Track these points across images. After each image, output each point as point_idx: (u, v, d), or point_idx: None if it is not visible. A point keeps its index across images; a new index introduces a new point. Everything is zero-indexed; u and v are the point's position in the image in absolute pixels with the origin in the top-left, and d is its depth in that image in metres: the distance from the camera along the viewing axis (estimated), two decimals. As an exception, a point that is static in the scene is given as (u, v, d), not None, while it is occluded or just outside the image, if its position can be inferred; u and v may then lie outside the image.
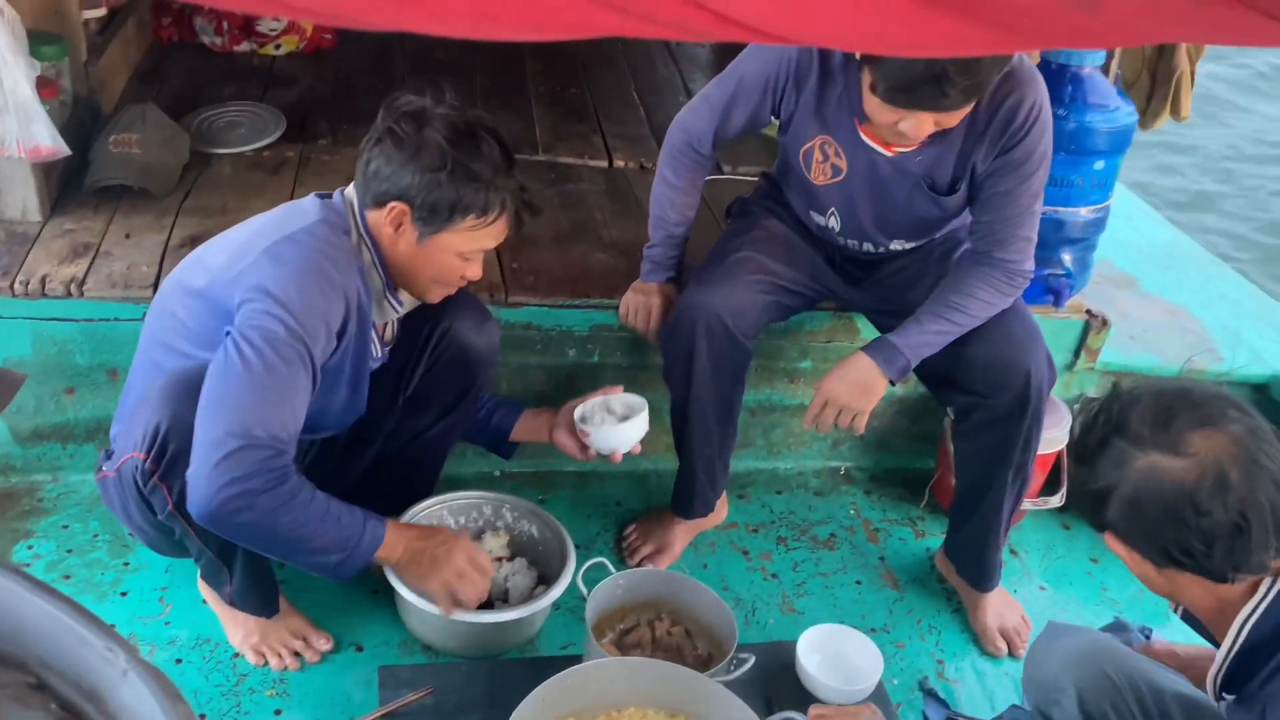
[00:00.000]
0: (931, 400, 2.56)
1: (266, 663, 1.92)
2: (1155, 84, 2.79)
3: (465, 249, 1.69)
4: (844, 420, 2.01)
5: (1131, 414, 1.30)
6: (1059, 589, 2.39)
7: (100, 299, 2.08)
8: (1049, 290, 2.44)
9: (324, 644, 1.95)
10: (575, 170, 2.84)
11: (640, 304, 2.18)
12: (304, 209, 1.70)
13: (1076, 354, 2.58)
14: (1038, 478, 2.44)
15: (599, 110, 3.21)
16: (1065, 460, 2.47)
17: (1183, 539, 1.25)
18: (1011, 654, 2.18)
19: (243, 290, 1.57)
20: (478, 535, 2.13)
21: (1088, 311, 2.54)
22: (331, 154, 2.73)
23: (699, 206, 2.17)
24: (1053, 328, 2.52)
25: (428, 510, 2.05)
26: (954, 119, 1.79)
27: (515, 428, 2.11)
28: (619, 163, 2.92)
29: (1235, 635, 1.31)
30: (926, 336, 1.97)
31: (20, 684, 0.46)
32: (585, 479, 2.45)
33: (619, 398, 2.05)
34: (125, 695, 0.47)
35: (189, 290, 1.68)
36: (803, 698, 1.89)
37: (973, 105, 1.78)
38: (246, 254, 1.61)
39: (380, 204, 1.66)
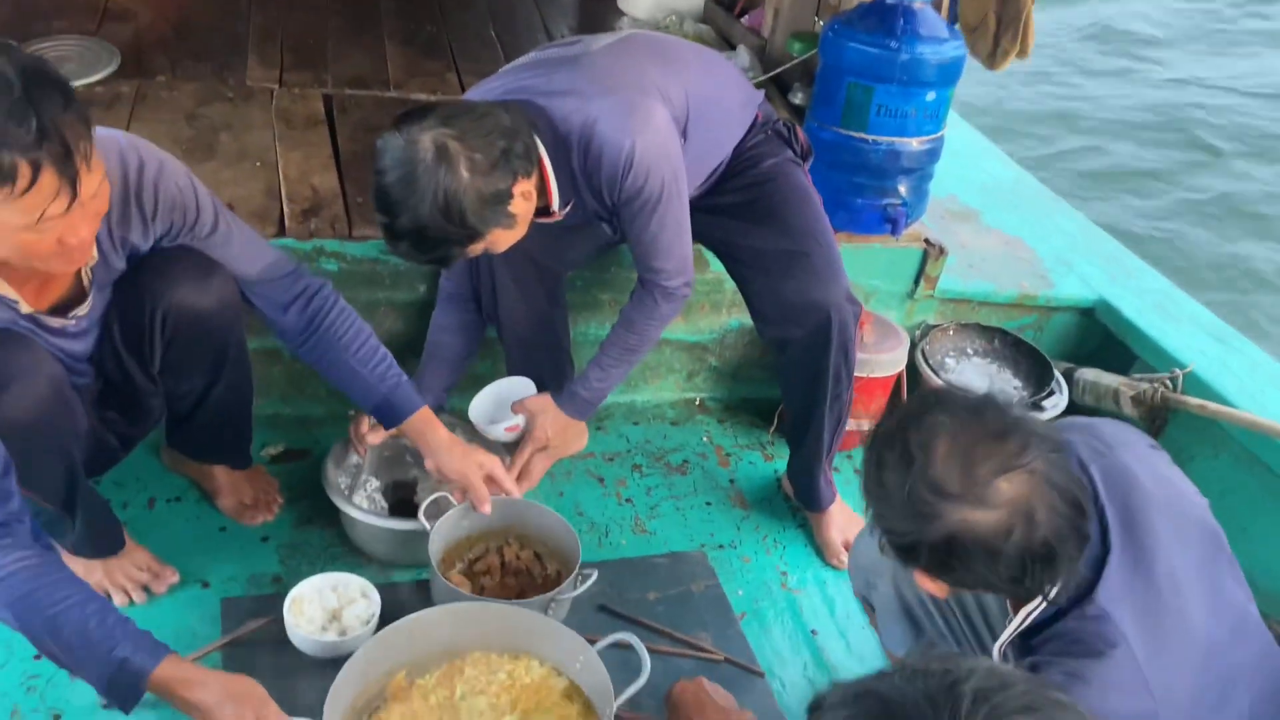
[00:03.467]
0: (781, 330, 2.65)
1: (111, 599, 1.89)
2: (1001, 25, 2.90)
3: (24, 223, 1.37)
4: (549, 461, 2.20)
5: (935, 462, 1.24)
6: (899, 504, 2.51)
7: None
8: (887, 219, 2.53)
9: (171, 577, 1.93)
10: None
11: None
12: None
13: (916, 281, 2.69)
14: (880, 399, 2.55)
15: (454, 48, 3.17)
16: (904, 382, 2.59)
17: (993, 578, 1.27)
18: (852, 565, 2.29)
19: None
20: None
21: (925, 240, 2.65)
22: (170, 90, 2.64)
23: None
24: (892, 256, 2.63)
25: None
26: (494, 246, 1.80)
27: (409, 422, 1.90)
28: (473, 98, 2.89)
29: (1015, 627, 1.38)
30: (605, 380, 2.12)
31: None
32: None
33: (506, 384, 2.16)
34: None
35: None
36: (639, 607, 1.97)
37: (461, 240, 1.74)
38: None
39: None
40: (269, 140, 2.50)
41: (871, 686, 0.88)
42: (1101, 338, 2.81)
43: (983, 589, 1.36)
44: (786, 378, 2.23)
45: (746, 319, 2.62)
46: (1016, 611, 1.39)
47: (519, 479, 2.14)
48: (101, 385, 1.83)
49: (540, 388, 2.22)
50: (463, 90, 2.91)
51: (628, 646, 1.64)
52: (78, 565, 1.87)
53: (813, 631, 2.11)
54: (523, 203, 1.77)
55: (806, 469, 2.28)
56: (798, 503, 2.38)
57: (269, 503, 2.15)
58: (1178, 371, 2.50)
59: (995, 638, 1.43)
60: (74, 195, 1.37)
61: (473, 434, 2.19)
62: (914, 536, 1.27)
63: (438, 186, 1.65)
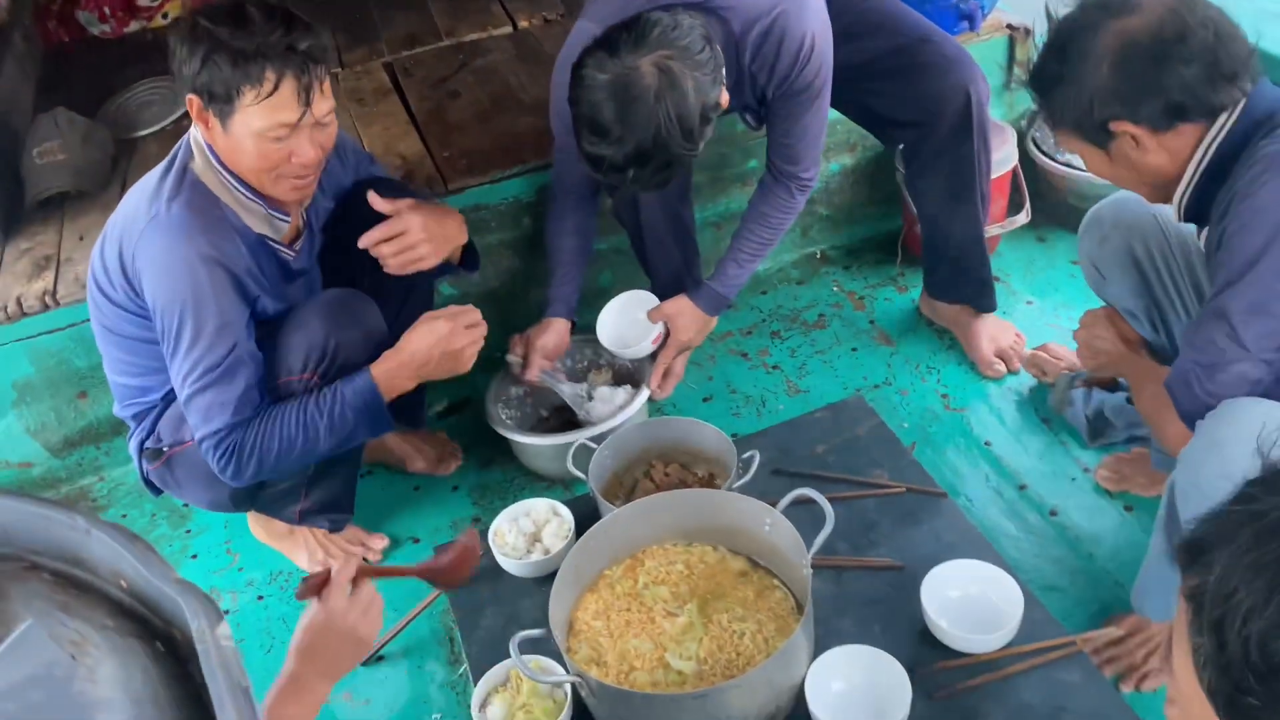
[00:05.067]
0: (882, 164, 2.61)
1: None
2: None
3: (262, 127, 1.62)
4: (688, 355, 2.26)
5: (1076, 12, 1.43)
6: (1045, 298, 2.47)
7: (76, 302, 2.17)
8: (963, 16, 2.44)
9: (380, 543, 2.12)
10: (482, 45, 2.84)
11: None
12: (145, 191, 1.73)
13: (1009, 71, 2.59)
14: (998, 200, 2.49)
15: (491, -21, 3.17)
16: (1021, 177, 2.51)
17: (1180, 76, 1.36)
18: (1010, 370, 2.28)
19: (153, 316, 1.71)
20: (584, 374, 2.31)
21: (1008, 26, 2.54)
22: (247, 103, 2.76)
23: None
24: (977, 52, 2.51)
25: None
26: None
27: None
28: (522, 23, 2.91)
29: (1200, 158, 1.43)
30: (741, 274, 2.17)
31: (17, 568, 0.57)
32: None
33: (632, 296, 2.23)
34: (94, 549, 0.58)
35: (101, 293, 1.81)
36: (810, 462, 2.03)
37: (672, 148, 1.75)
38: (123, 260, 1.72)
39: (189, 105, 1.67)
40: (347, 122, 2.59)
41: (1272, 507, 0.72)
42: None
43: (1175, 112, 1.39)
44: (924, 180, 2.21)
45: (847, 160, 2.61)
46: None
47: (665, 379, 2.21)
48: None
49: (669, 284, 2.27)
50: (511, 19, 2.94)
51: (809, 500, 1.70)
52: (298, 546, 2.09)
53: (986, 443, 2.13)
54: (722, 108, 1.82)
55: (959, 271, 2.26)
56: (949, 317, 2.36)
57: (453, 453, 2.31)
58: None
59: (1213, 283, 1.44)
60: (305, 108, 1.62)
61: (611, 356, 2.26)
62: (1086, 91, 1.40)
63: (669, 111, 1.70)
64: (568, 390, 2.21)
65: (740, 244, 2.14)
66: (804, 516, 1.67)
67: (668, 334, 2.20)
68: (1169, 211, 1.65)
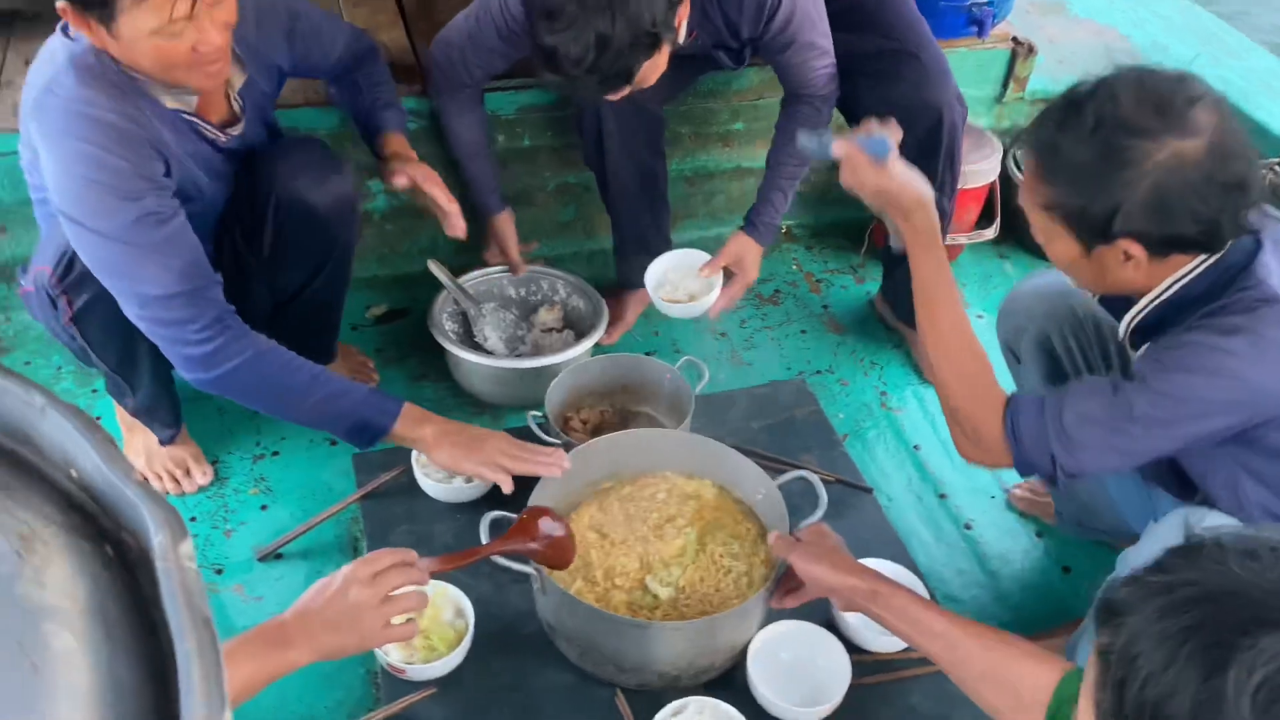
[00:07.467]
0: (865, 148, 2.59)
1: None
2: None
3: (152, 26, 1.41)
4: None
5: (1123, 108, 1.24)
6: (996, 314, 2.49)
7: (8, 131, 2.02)
8: (973, 21, 2.41)
9: (202, 479, 1.97)
10: (484, -54, 2.71)
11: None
12: (47, 54, 1.56)
13: (1005, 84, 2.58)
14: (972, 211, 2.50)
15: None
16: (997, 192, 2.52)
17: (1209, 215, 1.24)
18: (951, 380, 2.30)
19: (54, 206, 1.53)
20: (534, 308, 2.25)
21: (1014, 39, 2.52)
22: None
23: None
24: (978, 59, 2.52)
25: (488, 277, 2.23)
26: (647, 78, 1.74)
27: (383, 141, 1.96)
28: (529, -66, 2.79)
29: (1164, 289, 1.35)
30: (786, 200, 2.13)
31: (-43, 441, 0.51)
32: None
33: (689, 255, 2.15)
34: (46, 429, 0.52)
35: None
36: (743, 436, 2.03)
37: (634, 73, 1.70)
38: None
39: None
40: (332, 2, 2.46)
41: (1194, 579, 0.75)
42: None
43: (1181, 245, 1.29)
44: None
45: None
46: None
47: (614, 326, 2.21)
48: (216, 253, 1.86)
49: (632, 238, 2.22)
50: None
51: (806, 483, 1.70)
52: (132, 438, 1.95)
53: (915, 447, 2.15)
54: (680, 27, 1.73)
55: (908, 285, 2.26)
56: (894, 322, 2.38)
57: (366, 379, 2.17)
58: (1288, 156, 2.38)
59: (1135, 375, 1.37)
60: (192, 4, 1.42)
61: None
62: (1114, 199, 1.24)
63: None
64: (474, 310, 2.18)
65: (781, 173, 2.10)
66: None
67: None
68: (1085, 298, 1.60)
